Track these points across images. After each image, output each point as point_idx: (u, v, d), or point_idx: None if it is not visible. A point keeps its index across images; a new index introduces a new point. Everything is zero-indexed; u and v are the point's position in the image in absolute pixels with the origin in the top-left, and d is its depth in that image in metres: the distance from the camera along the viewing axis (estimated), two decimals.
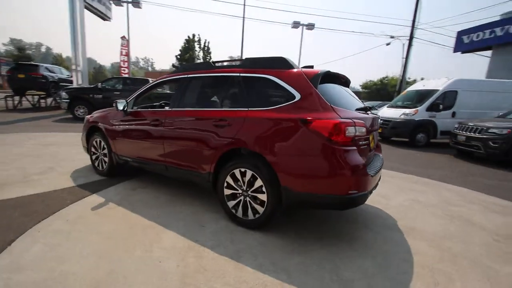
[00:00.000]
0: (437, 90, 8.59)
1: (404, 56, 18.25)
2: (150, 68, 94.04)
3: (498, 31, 17.17)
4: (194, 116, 2.83)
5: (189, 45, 31.41)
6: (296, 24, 20.40)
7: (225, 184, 2.61)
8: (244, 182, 2.49)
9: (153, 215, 2.73)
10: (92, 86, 10.75)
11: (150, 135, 3.21)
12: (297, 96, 2.29)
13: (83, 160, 4.65)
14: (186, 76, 3.10)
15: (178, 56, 31.28)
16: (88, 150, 4.14)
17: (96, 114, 4.09)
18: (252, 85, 2.58)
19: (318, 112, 2.17)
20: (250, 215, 2.49)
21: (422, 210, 3.30)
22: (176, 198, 3.22)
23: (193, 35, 31.52)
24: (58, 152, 5.14)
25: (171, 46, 54.15)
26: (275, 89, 2.45)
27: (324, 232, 2.58)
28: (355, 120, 2.17)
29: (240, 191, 2.54)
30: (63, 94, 10.06)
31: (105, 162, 3.93)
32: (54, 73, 13.23)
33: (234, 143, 2.48)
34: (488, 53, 18.27)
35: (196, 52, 31.81)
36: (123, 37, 18.03)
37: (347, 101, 2.55)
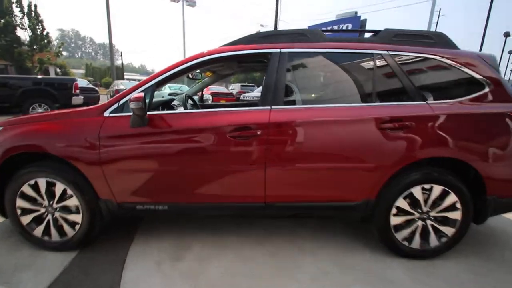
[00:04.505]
0: None
1: None
2: None
3: (335, 28, 22.30)
4: (335, 118, 1.77)
5: (2, 8, 21.32)
6: None
7: (393, 211, 1.85)
8: (426, 202, 1.85)
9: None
10: None
11: (227, 156, 1.78)
12: (487, 84, 1.84)
13: None
14: (276, 50, 1.87)
15: None
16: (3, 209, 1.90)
17: (16, 128, 1.88)
18: (413, 68, 1.88)
19: None
20: (433, 241, 1.90)
21: None
22: (271, 248, 2.04)
23: None
24: None
25: None
26: (448, 74, 1.88)
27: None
28: None
29: (416, 215, 1.87)
30: None
31: (68, 223, 1.92)
32: None
33: (422, 152, 1.75)
34: None
35: (18, 19, 22.20)
36: None
37: None
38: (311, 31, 1.94)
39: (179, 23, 20.65)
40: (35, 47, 23.50)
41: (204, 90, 15.51)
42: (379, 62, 1.86)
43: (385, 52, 1.87)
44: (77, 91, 8.23)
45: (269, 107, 1.79)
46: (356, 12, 23.33)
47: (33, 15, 23.03)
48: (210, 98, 11.79)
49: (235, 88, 17.91)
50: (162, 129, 1.79)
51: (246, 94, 14.38)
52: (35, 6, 23.18)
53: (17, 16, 22.02)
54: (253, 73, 23.89)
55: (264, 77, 1.87)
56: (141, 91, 1.78)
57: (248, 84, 20.58)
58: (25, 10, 22.43)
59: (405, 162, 1.76)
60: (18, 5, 22.00)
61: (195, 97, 3.59)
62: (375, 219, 1.90)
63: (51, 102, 7.69)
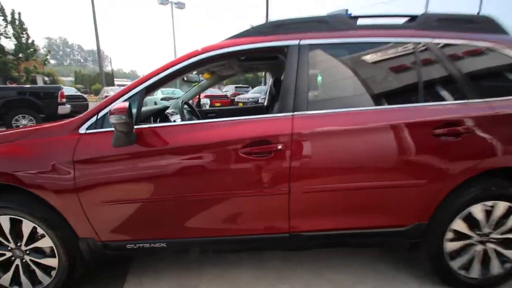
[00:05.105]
0: None
1: None
2: None
3: None
4: (375, 124, 1.41)
5: None
6: (163, 0, 17.42)
7: (449, 236, 1.50)
8: (487, 222, 1.50)
9: None
10: None
11: (240, 179, 1.41)
12: None
13: None
14: (294, 42, 1.50)
15: None
16: None
17: None
18: (465, 59, 1.53)
19: None
20: (495, 268, 1.55)
21: None
22: (297, 285, 1.66)
23: None
24: None
25: None
26: (505, 65, 1.53)
27: None
28: None
29: (476, 238, 1.52)
30: None
31: (42, 268, 1.53)
32: None
33: (487, 162, 1.40)
34: None
35: (1, 27, 21.44)
36: None
37: None
38: (336, 17, 1.58)
39: (170, 26, 20.15)
40: (20, 56, 22.76)
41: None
42: (422, 53, 1.51)
43: (429, 40, 1.52)
44: (63, 100, 7.75)
45: (290, 114, 1.42)
46: (347, 10, 23.30)
47: (17, 24, 22.28)
48: (208, 102, 10.84)
49: (229, 90, 17.51)
50: (155, 148, 1.40)
51: (241, 96, 14.00)
52: (19, 14, 22.45)
53: (0, 25, 21.24)
54: (246, 74, 23.43)
55: (282, 77, 1.50)
56: (125, 100, 1.40)
57: (242, 85, 20.19)
58: (9, 18, 21.67)
59: (466, 175, 1.41)
60: (1, 14, 21.22)
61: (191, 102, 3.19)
62: (426, 246, 1.54)
63: (35, 113, 7.21)
